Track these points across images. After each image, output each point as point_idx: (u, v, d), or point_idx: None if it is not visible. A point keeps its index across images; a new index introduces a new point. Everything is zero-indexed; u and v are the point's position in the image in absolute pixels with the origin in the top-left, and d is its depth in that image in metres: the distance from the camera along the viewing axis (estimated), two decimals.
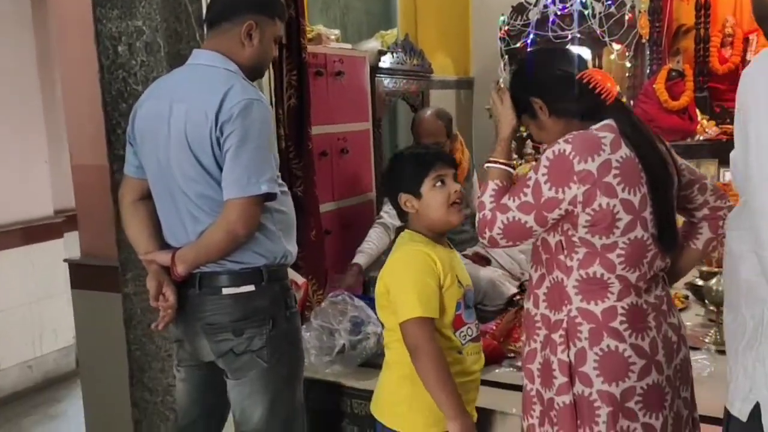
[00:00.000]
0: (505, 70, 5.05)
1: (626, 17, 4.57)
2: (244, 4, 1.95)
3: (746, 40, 4.63)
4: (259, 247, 1.88)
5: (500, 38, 5.01)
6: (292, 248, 1.99)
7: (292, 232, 2.02)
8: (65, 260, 3.21)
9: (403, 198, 1.86)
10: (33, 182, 4.47)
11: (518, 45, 4.95)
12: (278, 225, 1.93)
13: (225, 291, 1.88)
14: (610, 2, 4.63)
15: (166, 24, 2.59)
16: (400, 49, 4.21)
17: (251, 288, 1.88)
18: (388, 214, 3.22)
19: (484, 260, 3.33)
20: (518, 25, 4.94)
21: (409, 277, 1.76)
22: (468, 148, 6.02)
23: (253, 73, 2.00)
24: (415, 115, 3.42)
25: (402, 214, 1.92)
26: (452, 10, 5.63)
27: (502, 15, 5.02)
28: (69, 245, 4.19)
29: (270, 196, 1.82)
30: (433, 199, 1.82)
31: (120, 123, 2.65)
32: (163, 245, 1.97)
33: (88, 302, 3.02)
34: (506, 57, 5.03)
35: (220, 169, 1.83)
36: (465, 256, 3.19)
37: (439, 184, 1.83)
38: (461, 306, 1.82)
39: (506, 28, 4.96)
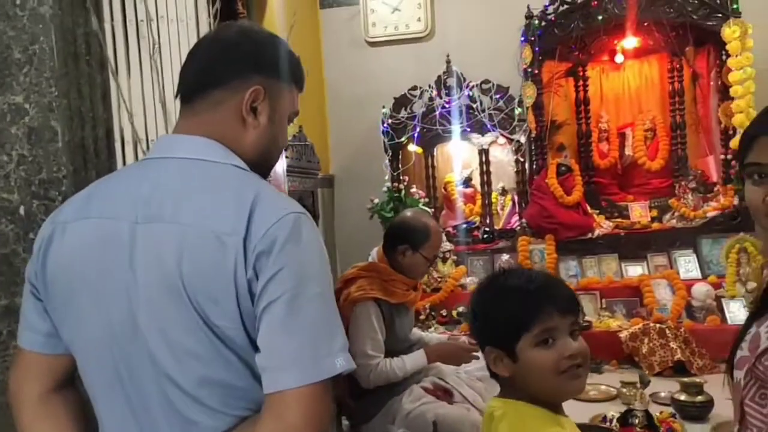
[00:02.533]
0: (389, 165, 4.65)
1: (516, 112, 4.45)
2: (248, 60, 1.22)
3: (622, 135, 4.76)
4: None
5: (383, 131, 4.63)
6: None
7: None
8: None
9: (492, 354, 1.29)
10: None
11: (404, 139, 4.61)
12: None
13: None
14: (498, 96, 4.50)
15: (66, 100, 1.76)
16: (296, 143, 3.62)
17: None
18: None
19: (446, 393, 2.74)
20: (402, 118, 4.60)
21: None
22: (332, 245, 5.65)
23: (258, 169, 1.24)
24: (409, 221, 2.65)
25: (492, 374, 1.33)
26: (309, 102, 5.17)
27: (384, 107, 4.67)
28: None
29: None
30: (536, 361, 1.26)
31: None
32: None
33: None
34: (390, 152, 4.64)
35: (248, 335, 1.10)
36: (424, 389, 2.59)
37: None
38: None
39: (389, 121, 4.60)
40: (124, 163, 1.93)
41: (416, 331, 2.79)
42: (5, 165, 1.75)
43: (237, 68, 1.21)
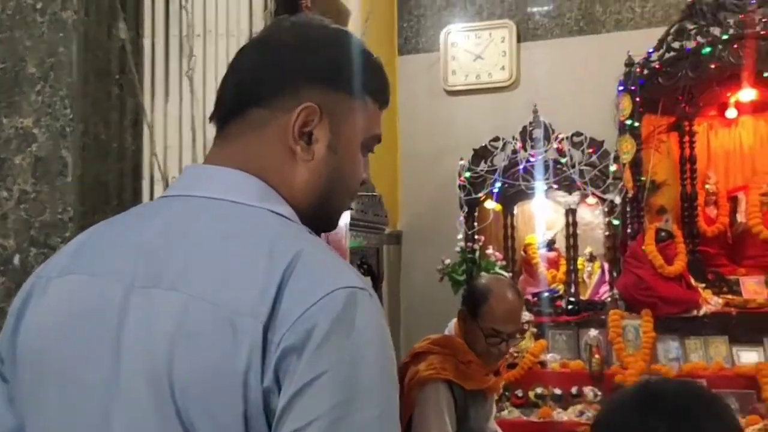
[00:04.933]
0: (464, 223, 4.22)
1: (611, 168, 3.97)
2: (298, 67, 0.88)
3: (733, 199, 4.19)
4: None
5: (459, 186, 4.22)
6: None
7: None
8: None
9: None
10: None
11: (482, 194, 4.18)
12: None
13: None
14: (591, 150, 4.03)
15: (83, 125, 1.43)
16: (361, 193, 3.25)
17: None
18: None
19: None
20: (482, 171, 4.19)
21: None
22: (397, 309, 5.21)
23: (315, 221, 0.89)
24: (476, 282, 2.38)
25: None
26: (379, 152, 4.82)
27: (461, 159, 4.27)
28: None
29: None
30: None
31: None
32: None
33: None
34: (465, 208, 4.21)
35: None
36: None
37: None
38: None
39: (467, 174, 4.19)
40: None
41: (494, 427, 2.32)
42: (3, 203, 1.43)
43: (282, 78, 0.87)
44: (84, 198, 1.43)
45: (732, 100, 4.08)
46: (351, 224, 3.00)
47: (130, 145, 1.57)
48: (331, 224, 0.94)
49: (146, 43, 1.57)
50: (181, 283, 0.77)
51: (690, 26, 4.01)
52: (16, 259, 1.42)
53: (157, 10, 1.56)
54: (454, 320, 2.25)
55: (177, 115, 1.57)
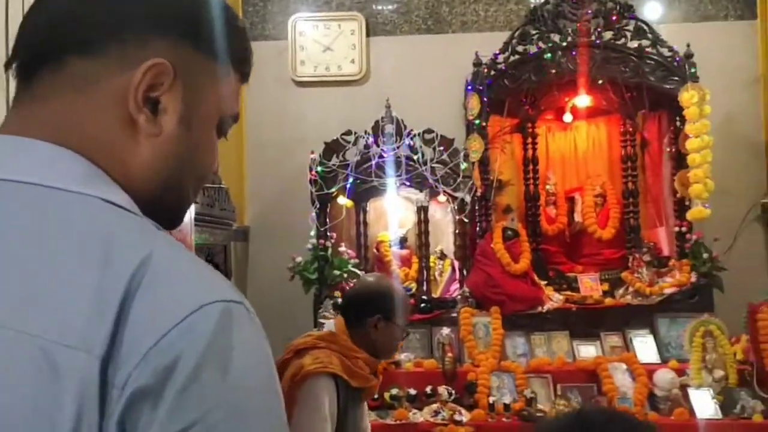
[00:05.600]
0: (316, 219, 4.04)
1: (462, 166, 3.98)
2: (148, 7, 0.66)
3: (570, 199, 4.39)
4: None
5: (310, 180, 4.02)
6: None
7: None
8: None
9: None
10: None
11: (334, 190, 4.02)
12: None
13: None
14: (442, 148, 4.02)
15: None
16: (207, 185, 2.96)
17: None
18: None
19: None
20: (334, 166, 4.03)
21: None
22: (248, 308, 4.83)
23: (157, 211, 0.67)
24: (376, 286, 2.30)
25: None
26: (226, 147, 4.50)
27: (312, 152, 4.08)
28: None
29: None
30: None
31: None
32: None
33: None
34: (317, 204, 4.03)
35: None
36: None
37: None
38: None
39: (319, 168, 4.00)
40: None
41: (368, 426, 2.22)
42: None
43: (124, 20, 0.65)
44: None
45: (569, 104, 4.26)
46: (196, 219, 2.71)
47: None
48: (176, 218, 0.73)
49: None
50: None
51: (533, 31, 4.15)
52: None
53: None
54: (332, 320, 2.24)
55: None
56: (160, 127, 0.65)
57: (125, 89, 0.63)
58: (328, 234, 4.05)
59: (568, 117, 4.39)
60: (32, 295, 0.53)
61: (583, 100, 4.22)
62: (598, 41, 4.01)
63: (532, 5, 4.18)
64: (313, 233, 4.02)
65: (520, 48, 4.12)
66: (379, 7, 4.82)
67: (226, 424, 0.52)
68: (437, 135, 4.08)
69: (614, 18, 4.00)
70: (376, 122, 4.10)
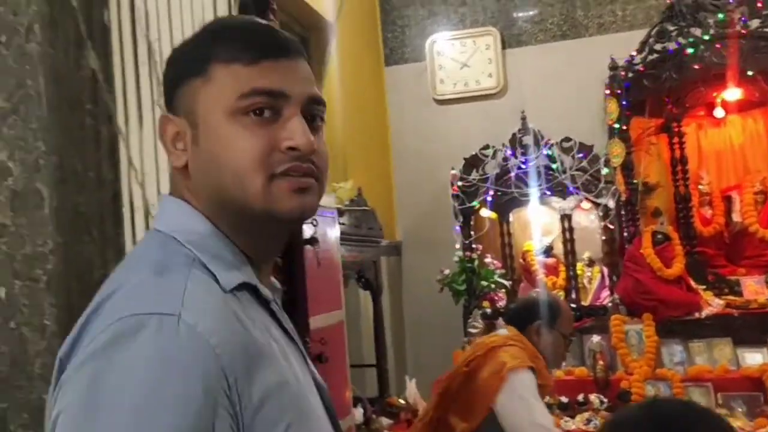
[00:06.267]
0: (460, 232, 4.19)
1: (602, 172, 3.94)
2: (164, 82, 0.85)
3: (727, 199, 4.16)
4: None
5: (453, 195, 4.18)
6: None
7: None
8: None
9: None
10: None
11: (476, 203, 4.15)
12: None
13: None
14: (581, 155, 4.00)
15: (57, 157, 1.40)
16: (353, 207, 3.22)
17: None
18: None
19: None
20: (474, 180, 4.16)
21: None
22: (400, 319, 5.17)
23: (235, 223, 0.78)
24: (536, 296, 2.67)
25: None
26: (374, 164, 4.80)
27: (453, 168, 4.24)
28: None
29: None
30: None
31: None
32: None
33: None
34: (461, 218, 4.18)
35: None
36: None
37: None
38: None
39: (460, 183, 4.16)
40: (133, 233, 1.55)
41: None
42: None
43: (166, 97, 0.84)
44: (62, 229, 1.39)
45: (718, 99, 4.05)
46: (343, 238, 2.96)
47: (107, 175, 1.53)
48: (255, 215, 0.76)
49: (116, 71, 1.54)
50: None
51: (671, 27, 4.00)
52: (2, 293, 1.38)
53: (125, 39, 1.53)
54: (504, 329, 2.45)
55: (152, 142, 1.54)
56: (180, 156, 0.79)
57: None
58: (474, 246, 4.17)
59: (719, 112, 4.17)
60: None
61: (733, 94, 4.00)
62: (744, 31, 3.79)
63: (668, 1, 4.02)
64: (458, 246, 4.17)
65: (658, 46, 4.00)
66: (515, 16, 4.89)
67: (79, 420, 0.64)
68: (576, 142, 4.08)
69: (760, 4, 3.76)
70: (513, 134, 4.17)
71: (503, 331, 2.48)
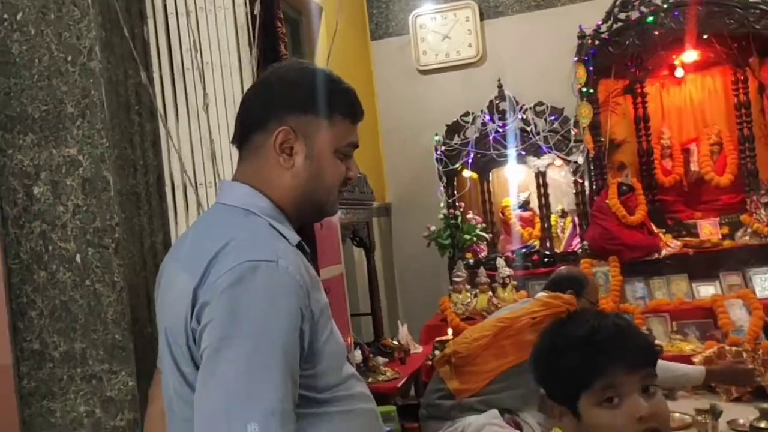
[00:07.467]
0: (444, 192, 4.62)
1: (572, 133, 4.36)
2: (278, 100, 1.19)
3: (686, 151, 4.58)
4: None
5: (437, 159, 4.61)
6: None
7: None
8: None
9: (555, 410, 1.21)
10: None
11: (458, 165, 4.57)
12: None
13: None
14: (552, 118, 4.41)
15: (117, 150, 1.83)
16: None
17: None
18: None
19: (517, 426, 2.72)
20: (456, 144, 4.57)
21: None
22: (392, 274, 5.62)
23: (303, 211, 1.21)
24: (567, 270, 3.14)
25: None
26: (362, 133, 5.17)
27: (436, 134, 4.65)
28: None
29: None
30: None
31: (34, 301, 1.79)
32: None
33: None
34: (444, 179, 4.61)
35: None
36: None
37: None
38: None
39: (443, 148, 4.57)
40: (175, 207, 1.97)
41: None
42: (62, 215, 1.82)
43: (269, 110, 1.19)
44: (123, 207, 1.82)
45: (678, 61, 4.44)
46: (339, 203, 3.37)
47: (152, 161, 1.95)
48: (322, 213, 1.24)
49: (155, 77, 1.95)
50: (181, 260, 1.15)
51: None
52: (78, 258, 1.81)
53: (162, 51, 1.93)
54: (543, 293, 2.89)
55: (187, 133, 1.95)
56: (293, 163, 1.16)
57: (272, 146, 1.17)
58: (457, 204, 4.61)
59: (679, 72, 4.56)
60: (191, 257, 1.11)
61: (690, 56, 4.39)
62: None
63: None
64: (442, 204, 4.60)
65: (622, 15, 4.36)
66: None
67: (228, 318, 1.01)
68: (548, 106, 4.48)
69: None
70: (491, 101, 4.57)
71: (542, 294, 2.92)
